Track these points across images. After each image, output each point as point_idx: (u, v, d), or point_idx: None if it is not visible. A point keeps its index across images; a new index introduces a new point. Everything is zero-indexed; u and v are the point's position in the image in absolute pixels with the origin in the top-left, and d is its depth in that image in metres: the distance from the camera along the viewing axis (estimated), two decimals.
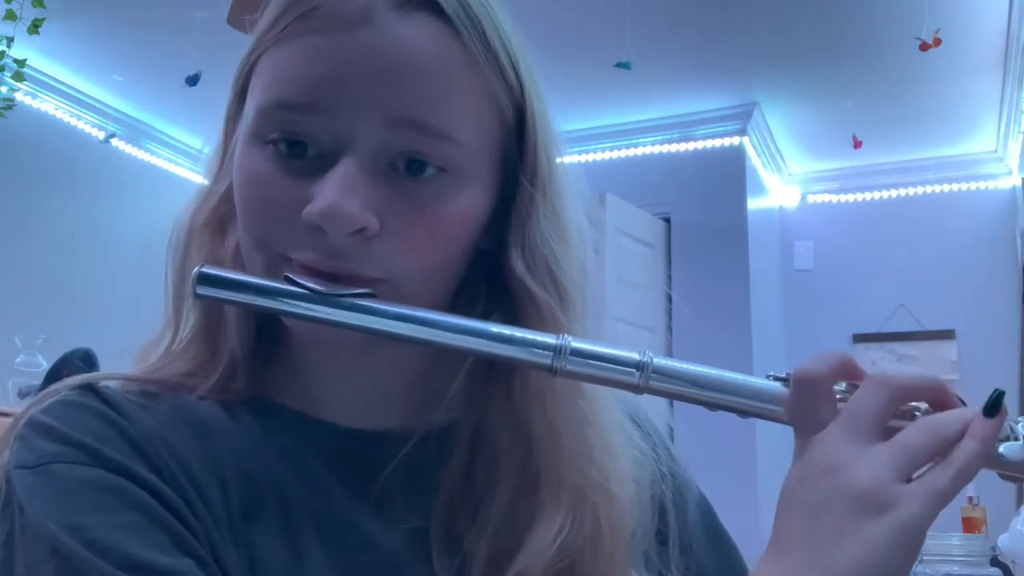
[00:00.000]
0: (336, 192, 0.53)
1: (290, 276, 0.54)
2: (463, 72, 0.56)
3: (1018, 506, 2.86)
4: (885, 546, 0.45)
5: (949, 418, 0.48)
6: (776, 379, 0.52)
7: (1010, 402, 0.51)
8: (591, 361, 0.53)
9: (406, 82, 0.54)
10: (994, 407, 0.48)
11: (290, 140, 0.55)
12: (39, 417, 0.54)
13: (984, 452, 0.47)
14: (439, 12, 0.55)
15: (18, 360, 3.53)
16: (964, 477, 0.46)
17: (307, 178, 0.54)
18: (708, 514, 0.72)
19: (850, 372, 0.51)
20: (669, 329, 4.15)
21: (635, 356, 0.52)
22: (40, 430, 0.53)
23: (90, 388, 0.56)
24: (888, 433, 0.48)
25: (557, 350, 0.52)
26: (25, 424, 0.54)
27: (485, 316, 0.57)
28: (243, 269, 0.58)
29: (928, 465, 0.47)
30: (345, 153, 0.54)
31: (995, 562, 1.47)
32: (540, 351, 0.53)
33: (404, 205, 0.55)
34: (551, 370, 0.53)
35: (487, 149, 0.58)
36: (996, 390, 0.48)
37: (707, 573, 0.68)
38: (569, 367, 0.52)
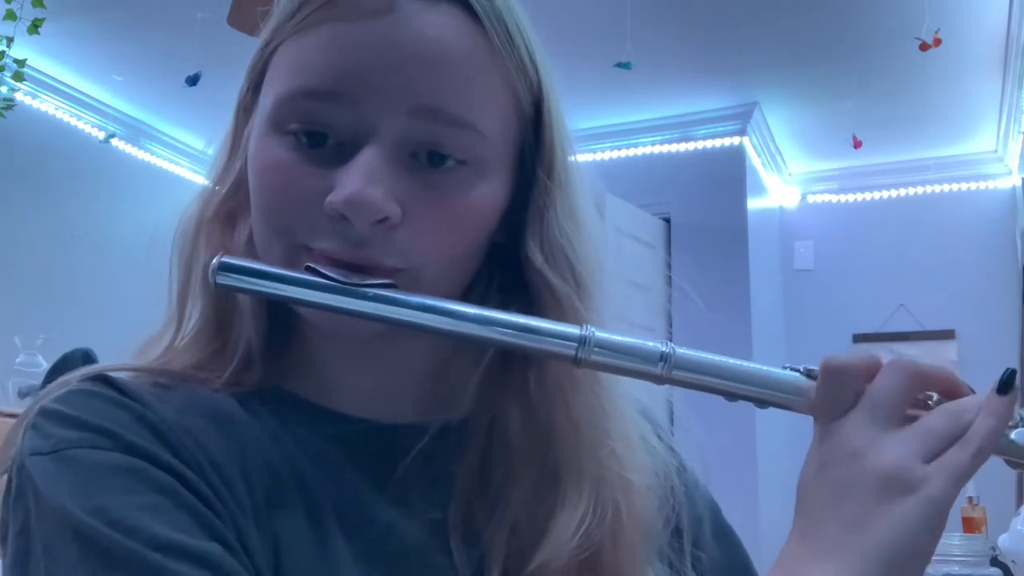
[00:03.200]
0: (360, 181, 0.52)
1: (311, 266, 0.54)
2: (486, 63, 0.56)
3: (1018, 506, 2.86)
4: (913, 525, 0.46)
5: (967, 403, 0.50)
6: (792, 370, 0.53)
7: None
8: (615, 352, 0.53)
9: (430, 72, 0.54)
10: (1006, 385, 0.49)
11: (310, 130, 0.55)
12: (52, 406, 0.53)
13: (1000, 428, 0.48)
14: (463, 2, 0.55)
15: (18, 360, 3.52)
16: (983, 453, 0.48)
17: (328, 167, 0.54)
18: (715, 510, 0.72)
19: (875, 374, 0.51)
20: (669, 329, 4.14)
21: (660, 347, 0.53)
22: (55, 418, 0.52)
23: (103, 378, 0.55)
24: (905, 420, 0.49)
25: (582, 341, 0.52)
26: (37, 414, 0.53)
27: (503, 308, 0.57)
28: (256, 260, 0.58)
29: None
30: (368, 142, 0.54)
31: (995, 562, 1.47)
32: (565, 342, 0.53)
33: (426, 195, 0.55)
34: (575, 361, 0.53)
35: (506, 141, 0.58)
36: (1008, 369, 0.50)
37: (716, 568, 0.68)
38: (593, 358, 0.52)
